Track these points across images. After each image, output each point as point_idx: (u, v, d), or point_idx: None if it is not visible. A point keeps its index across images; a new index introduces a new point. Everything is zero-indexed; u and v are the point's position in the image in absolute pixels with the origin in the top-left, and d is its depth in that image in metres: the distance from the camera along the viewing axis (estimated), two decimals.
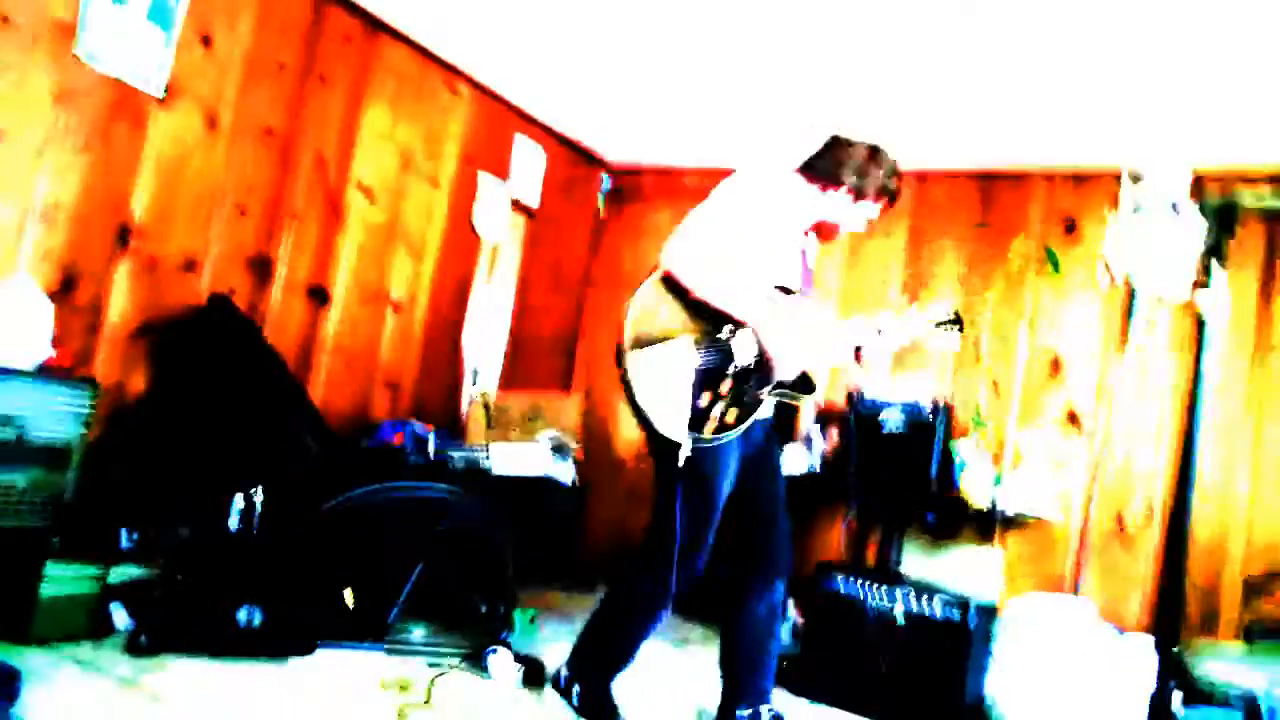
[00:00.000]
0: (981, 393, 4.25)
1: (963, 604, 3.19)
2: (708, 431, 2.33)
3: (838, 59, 3.63)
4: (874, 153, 2.59)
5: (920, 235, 4.60)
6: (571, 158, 5.25)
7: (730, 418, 2.35)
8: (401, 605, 3.11)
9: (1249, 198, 1.34)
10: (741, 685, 2.61)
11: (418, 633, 3.24)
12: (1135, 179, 1.48)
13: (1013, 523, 4.02)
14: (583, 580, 4.36)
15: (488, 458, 3.43)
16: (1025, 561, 4.04)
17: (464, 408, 4.06)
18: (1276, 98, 3.28)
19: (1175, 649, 1.32)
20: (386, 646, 3.01)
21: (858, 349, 2.60)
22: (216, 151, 3.45)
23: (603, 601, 2.69)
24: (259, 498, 2.98)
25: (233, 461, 3.08)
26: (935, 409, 3.85)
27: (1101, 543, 3.93)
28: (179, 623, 2.70)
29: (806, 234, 2.70)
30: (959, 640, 3.14)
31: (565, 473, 3.60)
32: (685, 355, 2.35)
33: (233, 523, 2.97)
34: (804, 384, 2.50)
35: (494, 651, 2.97)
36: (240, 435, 3.14)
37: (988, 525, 4.05)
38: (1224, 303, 1.41)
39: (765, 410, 2.50)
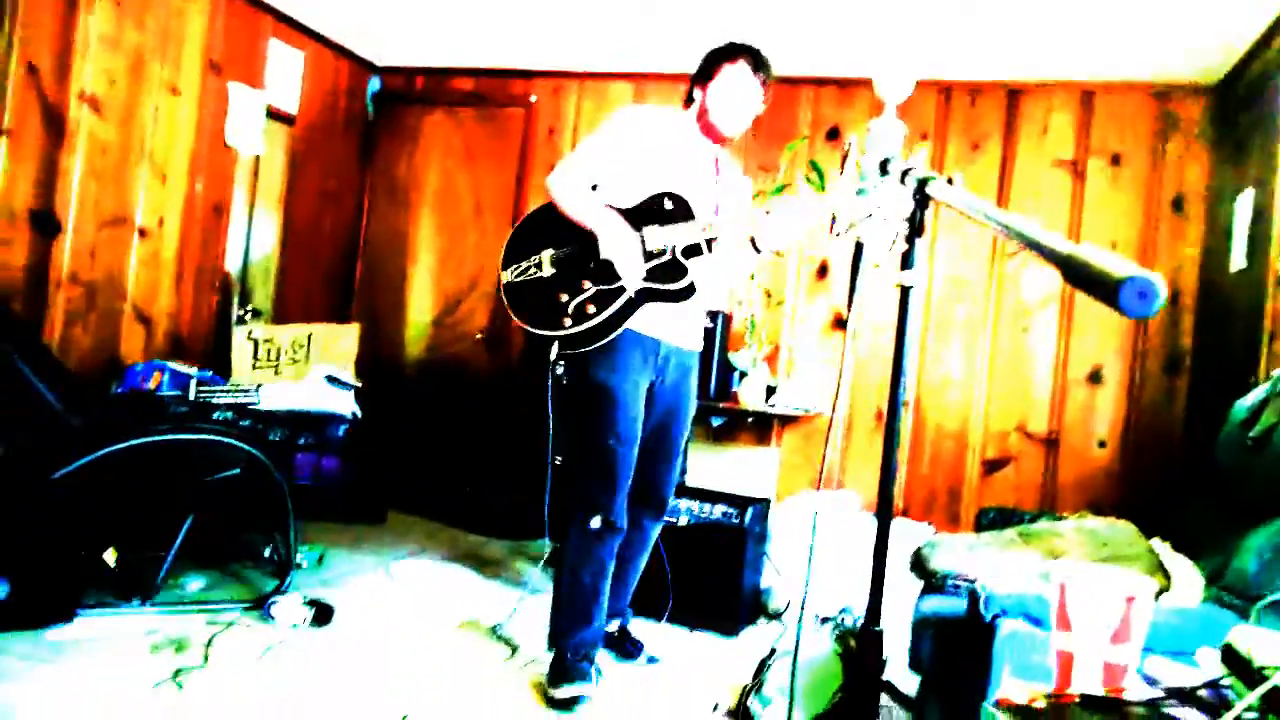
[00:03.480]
0: (756, 302, 4.41)
1: (740, 507, 3.39)
2: (568, 323, 2.48)
3: None
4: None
5: None
6: (334, 59, 4.86)
7: (589, 308, 2.47)
8: (174, 559, 2.93)
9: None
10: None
11: (194, 586, 3.09)
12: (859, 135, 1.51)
13: (787, 420, 4.28)
14: (372, 513, 4.28)
15: (256, 397, 3.23)
16: (799, 457, 4.33)
17: (231, 342, 3.77)
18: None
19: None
20: (158, 605, 2.85)
21: None
22: None
23: (556, 559, 2.69)
24: None
25: None
26: (714, 318, 3.95)
27: (865, 436, 4.27)
28: None
29: (706, 154, 2.68)
30: (737, 540, 3.35)
31: (345, 405, 3.45)
32: (544, 263, 2.57)
33: None
34: (672, 271, 2.51)
35: (278, 599, 2.88)
36: None
37: (765, 426, 4.29)
38: (923, 276, 1.49)
39: (630, 303, 2.49)
